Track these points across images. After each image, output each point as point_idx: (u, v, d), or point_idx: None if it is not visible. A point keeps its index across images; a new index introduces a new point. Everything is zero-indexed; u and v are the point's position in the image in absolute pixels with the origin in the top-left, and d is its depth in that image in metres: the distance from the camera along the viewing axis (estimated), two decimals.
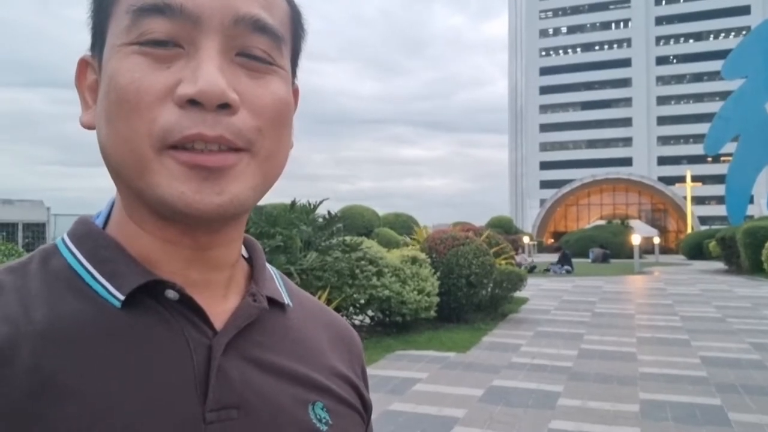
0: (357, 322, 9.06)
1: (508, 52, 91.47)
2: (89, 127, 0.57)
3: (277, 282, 0.66)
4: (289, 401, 0.56)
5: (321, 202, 8.33)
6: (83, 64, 0.59)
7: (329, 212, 8.49)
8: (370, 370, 6.56)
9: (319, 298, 6.98)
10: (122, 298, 0.52)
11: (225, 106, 0.50)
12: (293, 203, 8.04)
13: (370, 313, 9.07)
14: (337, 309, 7.50)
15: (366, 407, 0.67)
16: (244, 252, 0.65)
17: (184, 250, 0.56)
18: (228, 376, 0.53)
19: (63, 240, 0.59)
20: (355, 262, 7.91)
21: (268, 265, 0.66)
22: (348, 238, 8.12)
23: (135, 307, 0.53)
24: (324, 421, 0.58)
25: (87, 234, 0.58)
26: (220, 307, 0.57)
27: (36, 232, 21.22)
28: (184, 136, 0.49)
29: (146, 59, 0.51)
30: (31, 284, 0.53)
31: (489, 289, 10.34)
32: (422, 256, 8.92)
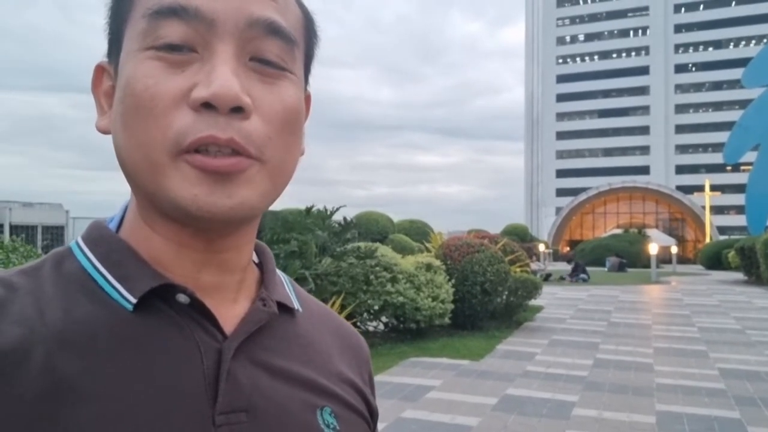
0: (371, 329, 9.06)
1: (525, 60, 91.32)
2: (105, 132, 0.58)
3: (287, 287, 0.66)
4: (298, 406, 0.57)
5: (337, 209, 8.34)
6: (99, 70, 0.60)
7: (345, 218, 8.51)
8: (384, 377, 6.56)
9: (333, 303, 6.98)
10: (134, 301, 0.53)
11: (238, 110, 0.50)
12: (309, 209, 8.07)
13: (384, 319, 9.06)
14: (352, 315, 7.50)
15: (372, 413, 0.67)
16: (254, 257, 0.65)
17: (196, 253, 0.56)
18: (237, 380, 0.53)
19: (77, 243, 0.59)
20: (370, 268, 7.91)
21: (278, 271, 0.67)
22: (363, 245, 8.12)
23: (146, 310, 0.53)
24: (332, 426, 0.58)
25: (100, 237, 0.58)
26: (230, 311, 0.58)
27: (55, 234, 21.51)
28: (197, 138, 0.50)
29: (161, 64, 0.51)
30: (44, 287, 0.54)
31: (504, 297, 10.29)
32: (437, 262, 8.90)
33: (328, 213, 8.20)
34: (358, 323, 8.18)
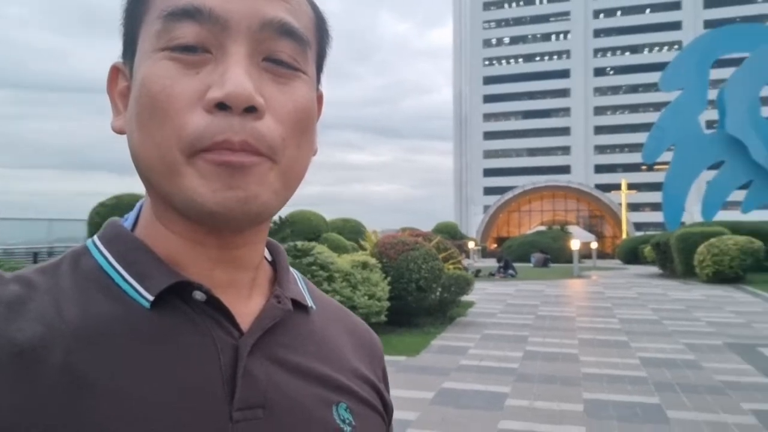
0: None
1: (453, 61, 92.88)
2: (120, 132, 0.58)
3: (300, 285, 0.67)
4: (314, 402, 0.57)
5: None
6: (114, 70, 0.60)
7: (280, 217, 8.43)
8: None
9: None
10: (151, 298, 0.53)
11: (251, 110, 0.51)
12: None
13: None
14: None
15: (387, 409, 0.68)
16: (267, 255, 0.66)
17: (211, 250, 0.57)
18: (254, 377, 0.54)
19: (93, 241, 0.59)
20: (306, 267, 7.89)
21: (291, 269, 0.67)
22: (300, 243, 8.08)
23: (163, 307, 0.54)
24: (347, 422, 0.59)
25: (116, 236, 0.59)
26: (245, 308, 0.58)
27: None
28: (213, 142, 0.50)
29: (176, 65, 0.52)
30: (62, 284, 0.54)
31: (438, 294, 10.47)
32: (373, 261, 8.96)
33: None
34: None
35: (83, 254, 0.58)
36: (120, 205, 11.70)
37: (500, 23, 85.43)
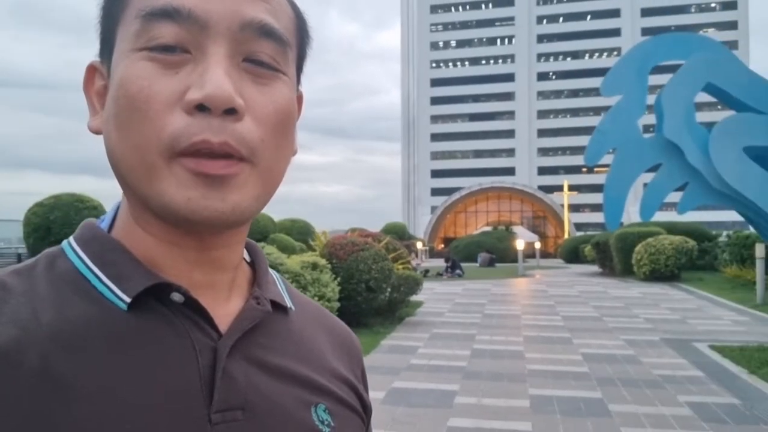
0: None
1: (401, 62, 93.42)
2: (97, 133, 0.57)
3: (279, 286, 0.67)
4: (293, 403, 0.57)
5: None
6: (91, 69, 0.59)
7: None
8: None
9: None
10: (129, 300, 0.53)
11: (231, 111, 0.51)
12: None
13: None
14: None
15: (366, 409, 0.68)
16: (246, 256, 0.66)
17: (189, 252, 0.56)
18: (233, 378, 0.54)
19: (69, 243, 0.58)
20: None
21: (270, 269, 0.67)
22: None
23: (141, 309, 0.53)
24: (326, 423, 0.59)
25: (93, 237, 0.58)
26: (224, 309, 0.58)
27: None
28: (191, 143, 0.50)
29: (155, 65, 0.51)
30: (38, 287, 0.53)
31: (387, 294, 10.51)
32: (322, 261, 8.93)
33: None
34: None
35: (59, 256, 0.57)
36: (59, 204, 11.22)
37: (447, 26, 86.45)
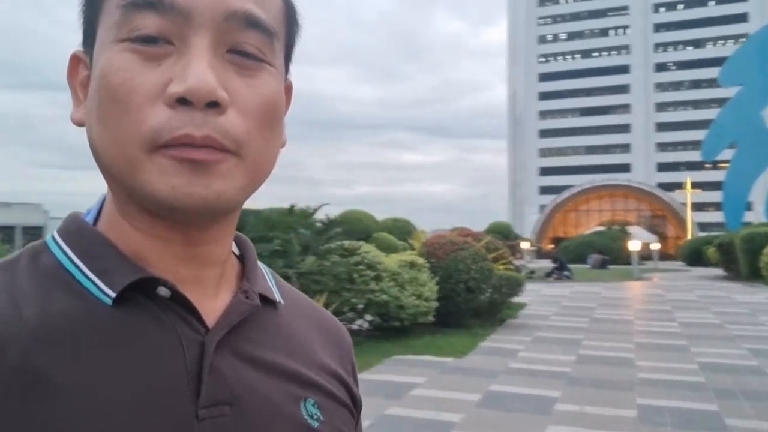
0: (355, 327, 9.06)
1: (507, 58, 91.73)
2: (80, 124, 0.56)
3: (269, 279, 0.66)
4: (281, 398, 0.56)
5: (320, 207, 8.34)
6: (75, 59, 0.58)
7: (328, 217, 8.50)
8: (368, 375, 6.57)
9: (317, 302, 6.97)
10: (114, 295, 0.52)
11: (214, 105, 0.49)
12: (291, 208, 8.05)
13: (368, 317, 9.07)
14: (335, 313, 7.49)
15: (356, 403, 0.67)
16: (235, 249, 0.64)
17: (175, 246, 0.55)
18: (220, 373, 0.53)
19: (53, 237, 0.58)
20: (353, 266, 7.92)
21: (259, 263, 0.66)
22: (346, 243, 8.13)
23: (126, 304, 0.52)
24: (315, 417, 0.58)
25: (78, 231, 0.57)
26: (211, 304, 0.57)
27: (34, 235, 21.24)
28: (173, 137, 0.49)
29: (136, 57, 0.50)
30: (20, 282, 0.53)
31: (487, 294, 10.34)
32: (420, 260, 8.92)
33: (311, 211, 8.19)
34: (343, 321, 8.17)
35: (42, 250, 0.57)
36: None
37: (556, 19, 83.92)
